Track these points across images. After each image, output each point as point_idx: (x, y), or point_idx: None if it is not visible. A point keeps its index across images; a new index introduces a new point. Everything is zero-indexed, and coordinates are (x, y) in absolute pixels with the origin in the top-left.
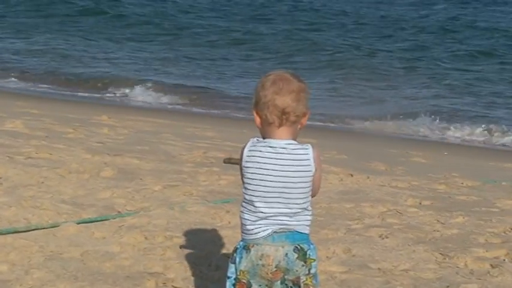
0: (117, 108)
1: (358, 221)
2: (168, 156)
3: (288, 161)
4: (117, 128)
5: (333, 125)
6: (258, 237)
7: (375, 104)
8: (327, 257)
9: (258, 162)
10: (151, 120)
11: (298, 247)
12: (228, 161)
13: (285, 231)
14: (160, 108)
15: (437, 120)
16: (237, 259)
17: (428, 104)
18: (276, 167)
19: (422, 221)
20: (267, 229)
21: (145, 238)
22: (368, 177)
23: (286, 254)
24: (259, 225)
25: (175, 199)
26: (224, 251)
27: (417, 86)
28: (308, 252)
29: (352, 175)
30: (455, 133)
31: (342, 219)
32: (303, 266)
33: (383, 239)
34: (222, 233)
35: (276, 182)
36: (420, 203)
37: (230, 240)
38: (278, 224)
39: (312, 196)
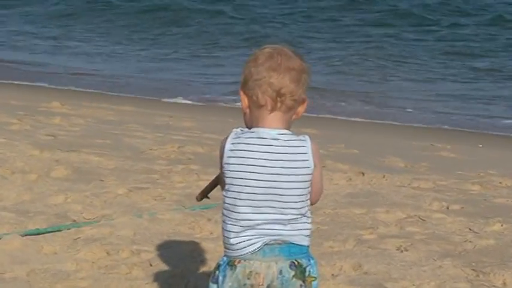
0: (72, 93)
1: (371, 230)
2: (134, 151)
3: (281, 154)
4: (71, 117)
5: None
6: (244, 252)
7: None
8: (332, 274)
9: (244, 157)
10: (114, 108)
11: (295, 263)
12: (201, 196)
13: (279, 243)
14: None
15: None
16: (220, 278)
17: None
18: (266, 163)
19: (450, 229)
20: (256, 242)
21: (107, 253)
22: (383, 176)
23: (281, 271)
24: (246, 238)
25: (144, 205)
26: (204, 268)
27: None
28: (307, 269)
29: (363, 174)
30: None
31: (350, 228)
32: (301, 286)
33: (402, 252)
34: (202, 246)
35: (266, 181)
36: (448, 208)
37: (212, 255)
38: (270, 235)
39: (312, 203)
